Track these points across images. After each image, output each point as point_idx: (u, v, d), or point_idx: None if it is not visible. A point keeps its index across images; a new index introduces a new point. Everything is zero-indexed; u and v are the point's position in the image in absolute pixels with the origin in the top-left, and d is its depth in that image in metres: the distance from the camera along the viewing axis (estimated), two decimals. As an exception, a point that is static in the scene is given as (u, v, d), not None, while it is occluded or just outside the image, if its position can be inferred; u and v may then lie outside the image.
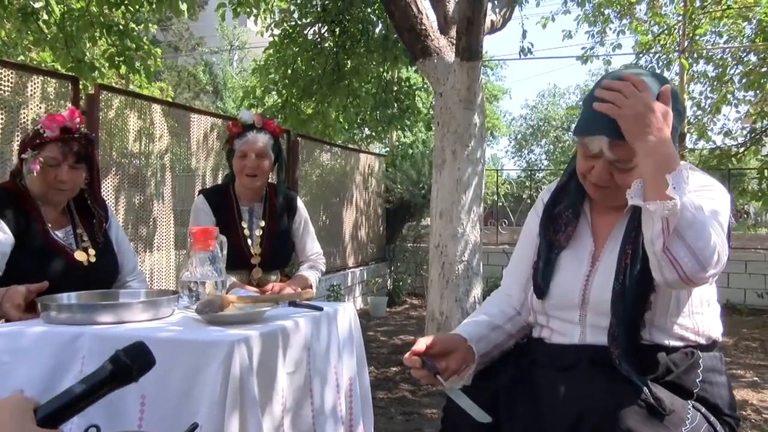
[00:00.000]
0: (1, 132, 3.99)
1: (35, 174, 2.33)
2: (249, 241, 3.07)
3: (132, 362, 1.13)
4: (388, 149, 13.96)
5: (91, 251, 2.47)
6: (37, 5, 6.45)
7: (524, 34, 8.41)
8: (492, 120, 27.55)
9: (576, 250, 1.75)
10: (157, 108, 5.42)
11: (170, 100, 10.84)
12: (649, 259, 1.50)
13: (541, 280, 1.75)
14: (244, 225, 3.09)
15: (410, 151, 11.78)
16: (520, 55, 8.46)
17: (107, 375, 1.10)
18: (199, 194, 3.21)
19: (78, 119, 2.43)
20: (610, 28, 11.56)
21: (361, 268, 9.53)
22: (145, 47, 7.52)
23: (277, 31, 8.75)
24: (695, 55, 11.59)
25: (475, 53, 5.44)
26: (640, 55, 11.54)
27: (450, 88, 5.63)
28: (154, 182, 5.35)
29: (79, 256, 2.43)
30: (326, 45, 8.67)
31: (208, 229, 2.34)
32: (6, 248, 2.27)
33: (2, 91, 3.99)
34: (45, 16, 6.64)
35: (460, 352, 1.71)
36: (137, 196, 5.15)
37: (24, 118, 4.15)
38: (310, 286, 3.02)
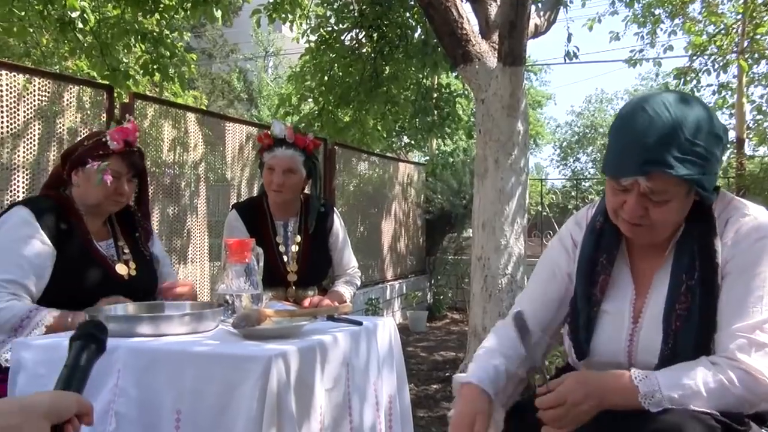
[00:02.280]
0: (38, 141, 4.10)
1: (109, 184, 2.39)
2: (285, 258, 3.07)
3: (93, 329, 1.29)
4: (427, 158, 13.95)
5: (132, 264, 2.52)
6: (74, 14, 6.62)
7: (569, 37, 8.34)
8: (536, 127, 27.36)
9: (616, 300, 1.65)
10: (191, 116, 5.51)
11: (204, 108, 11.00)
12: (703, 317, 1.48)
13: (583, 341, 1.66)
14: (279, 241, 3.10)
15: (451, 159, 11.77)
16: (565, 60, 8.39)
17: (80, 349, 1.26)
18: (232, 208, 3.22)
19: (138, 133, 2.52)
20: (661, 29, 11.36)
21: (400, 281, 9.52)
22: (180, 54, 7.66)
23: (313, 37, 8.82)
24: (756, 56, 11.33)
25: (518, 58, 5.43)
26: (694, 57, 11.34)
27: (492, 95, 5.62)
28: (189, 193, 5.43)
29: (120, 269, 2.47)
30: (364, 51, 8.71)
31: (244, 240, 2.36)
32: (48, 261, 2.31)
33: (40, 101, 4.10)
34: (80, 25, 6.82)
35: (483, 414, 1.64)
36: (171, 207, 5.23)
37: (60, 127, 4.26)
38: (345, 302, 3.03)
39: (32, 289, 2.27)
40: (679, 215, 1.54)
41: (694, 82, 11.06)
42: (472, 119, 12.92)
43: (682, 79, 10.81)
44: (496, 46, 5.63)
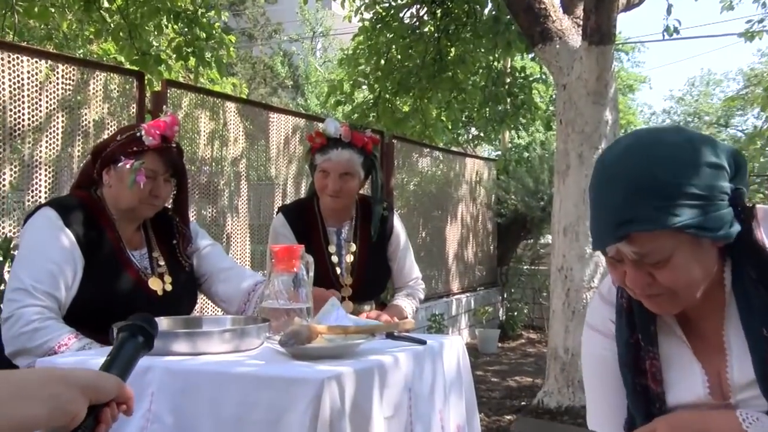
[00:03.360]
0: (62, 135, 4.21)
1: (142, 186, 2.41)
2: (338, 270, 3.08)
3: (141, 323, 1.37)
4: (499, 153, 13.90)
5: (167, 278, 2.53)
6: (99, -8, 6.81)
7: (669, 9, 8.19)
8: (627, 116, 27.01)
9: (683, 388, 1.50)
10: (230, 106, 5.60)
11: (244, 97, 11.16)
12: None
13: None
14: (332, 250, 3.11)
15: (526, 154, 11.69)
16: (663, 36, 8.27)
17: (125, 339, 1.35)
18: (278, 212, 3.24)
19: (177, 127, 2.54)
20: (789, -8, 10.95)
21: (468, 294, 9.50)
22: (217, 36, 7.79)
23: (367, 15, 8.86)
24: None
25: (606, 35, 5.36)
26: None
27: (575, 79, 5.57)
28: (228, 193, 5.51)
29: (154, 284, 2.49)
30: (426, 30, 8.72)
31: (291, 247, 2.38)
32: (77, 270, 2.36)
33: (64, 90, 4.22)
34: (106, 3, 6.99)
35: None
36: (209, 209, 5.32)
37: (85, 119, 4.37)
38: (407, 318, 3.02)
39: (62, 299, 2.32)
40: (700, 268, 1.40)
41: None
42: (552, 108, 12.80)
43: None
44: (581, 22, 5.58)
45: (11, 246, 3.10)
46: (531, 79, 9.99)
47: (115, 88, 4.64)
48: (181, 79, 9.17)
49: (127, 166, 2.41)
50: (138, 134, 2.46)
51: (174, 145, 2.54)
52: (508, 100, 9.50)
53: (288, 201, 5.77)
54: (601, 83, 5.52)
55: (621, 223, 1.33)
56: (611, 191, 1.35)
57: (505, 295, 10.29)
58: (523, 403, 5.90)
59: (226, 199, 5.49)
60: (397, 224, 3.26)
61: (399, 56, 8.77)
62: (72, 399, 1.08)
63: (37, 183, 4.06)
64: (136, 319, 1.37)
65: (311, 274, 2.39)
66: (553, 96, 8.73)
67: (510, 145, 15.08)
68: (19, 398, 1.03)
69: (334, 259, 3.09)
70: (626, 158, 1.36)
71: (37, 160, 4.07)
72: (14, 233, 3.81)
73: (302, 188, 6.16)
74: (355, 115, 9.00)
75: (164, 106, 4.60)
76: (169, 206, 2.68)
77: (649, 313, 1.49)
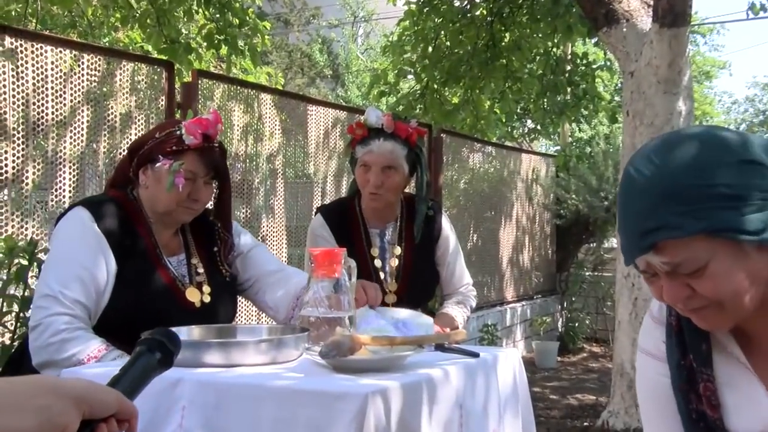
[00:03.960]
0: (87, 130, 4.28)
1: (181, 189, 2.42)
2: (382, 275, 3.08)
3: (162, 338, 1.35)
4: (558, 148, 13.81)
5: (206, 288, 2.54)
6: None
7: (754, -16, 8.06)
8: (702, 106, 26.68)
9: (747, 412, 1.46)
10: (265, 98, 5.64)
11: (280, 88, 11.23)
12: None
13: None
14: (375, 253, 3.11)
15: (588, 149, 11.61)
16: (747, 15, 8.13)
17: (139, 354, 1.31)
18: (316, 212, 3.26)
19: (220, 125, 2.54)
20: None
21: (524, 303, 9.47)
22: (251, 22, 7.85)
23: (414, -3, 8.87)
24: None
25: (680, 16, 5.30)
26: None
27: (645, 65, 5.52)
28: (263, 191, 5.55)
29: (191, 295, 2.49)
30: (478, 13, 8.70)
31: (332, 250, 2.38)
32: (111, 277, 2.38)
33: (89, 82, 4.29)
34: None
35: None
36: (242, 209, 5.36)
37: (112, 113, 4.44)
38: (457, 328, 3.02)
39: (92, 307, 2.34)
40: (745, 275, 1.36)
41: None
42: (617, 98, 12.69)
43: None
44: (651, 2, 5.53)
45: (35, 249, 3.14)
46: (594, 66, 9.92)
47: (142, 79, 4.69)
48: (212, 69, 9.27)
49: (166, 166, 2.42)
50: (178, 132, 2.46)
51: (216, 144, 2.53)
52: (569, 89, 9.44)
53: (327, 200, 5.80)
54: (673, 70, 5.45)
55: (646, 233, 1.33)
56: (634, 200, 1.35)
57: (565, 304, 10.23)
58: (585, 423, 5.86)
59: (261, 199, 5.53)
60: (446, 225, 3.25)
61: (448, 42, 8.75)
62: (62, 411, 1.06)
63: (60, 181, 4.11)
64: (155, 333, 1.37)
65: (354, 279, 2.39)
66: (619, 85, 8.65)
67: (570, 139, 14.99)
68: (5, 409, 1.01)
69: (378, 263, 3.09)
70: (648, 164, 1.35)
71: (61, 157, 4.13)
72: (38, 235, 3.87)
73: (343, 186, 6.18)
74: (401, 107, 9.01)
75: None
76: (210, 208, 2.68)
77: (699, 331, 1.47)
